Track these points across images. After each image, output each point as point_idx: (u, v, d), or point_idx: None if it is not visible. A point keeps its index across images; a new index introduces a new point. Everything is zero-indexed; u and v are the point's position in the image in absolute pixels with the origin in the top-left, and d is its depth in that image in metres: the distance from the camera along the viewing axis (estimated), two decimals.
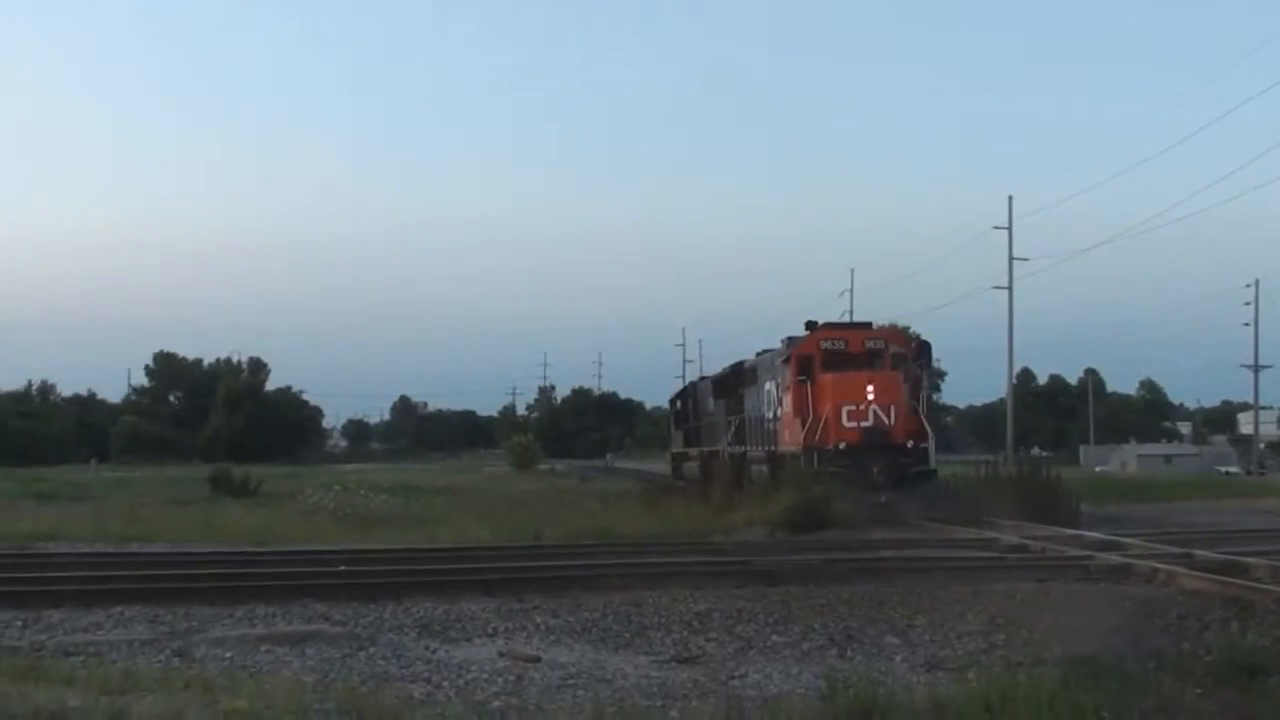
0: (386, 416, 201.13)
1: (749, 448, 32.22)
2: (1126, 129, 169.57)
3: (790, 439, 27.97)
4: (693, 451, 41.94)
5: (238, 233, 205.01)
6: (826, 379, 27.06)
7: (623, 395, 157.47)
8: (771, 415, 29.75)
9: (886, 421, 26.42)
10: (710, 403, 39.08)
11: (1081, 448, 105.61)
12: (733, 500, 26.76)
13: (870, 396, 26.39)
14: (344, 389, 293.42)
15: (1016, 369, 75.57)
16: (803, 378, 27.47)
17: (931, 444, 26.85)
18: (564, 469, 72.69)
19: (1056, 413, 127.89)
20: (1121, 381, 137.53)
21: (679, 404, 46.99)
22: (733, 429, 34.23)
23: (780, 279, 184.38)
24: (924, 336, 31.51)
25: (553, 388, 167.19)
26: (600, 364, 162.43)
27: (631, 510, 28.91)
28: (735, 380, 35.21)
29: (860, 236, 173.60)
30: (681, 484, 39.63)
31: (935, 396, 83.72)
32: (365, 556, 18.04)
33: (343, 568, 16.00)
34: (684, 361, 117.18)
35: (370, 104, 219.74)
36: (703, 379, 43.92)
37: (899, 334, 32.10)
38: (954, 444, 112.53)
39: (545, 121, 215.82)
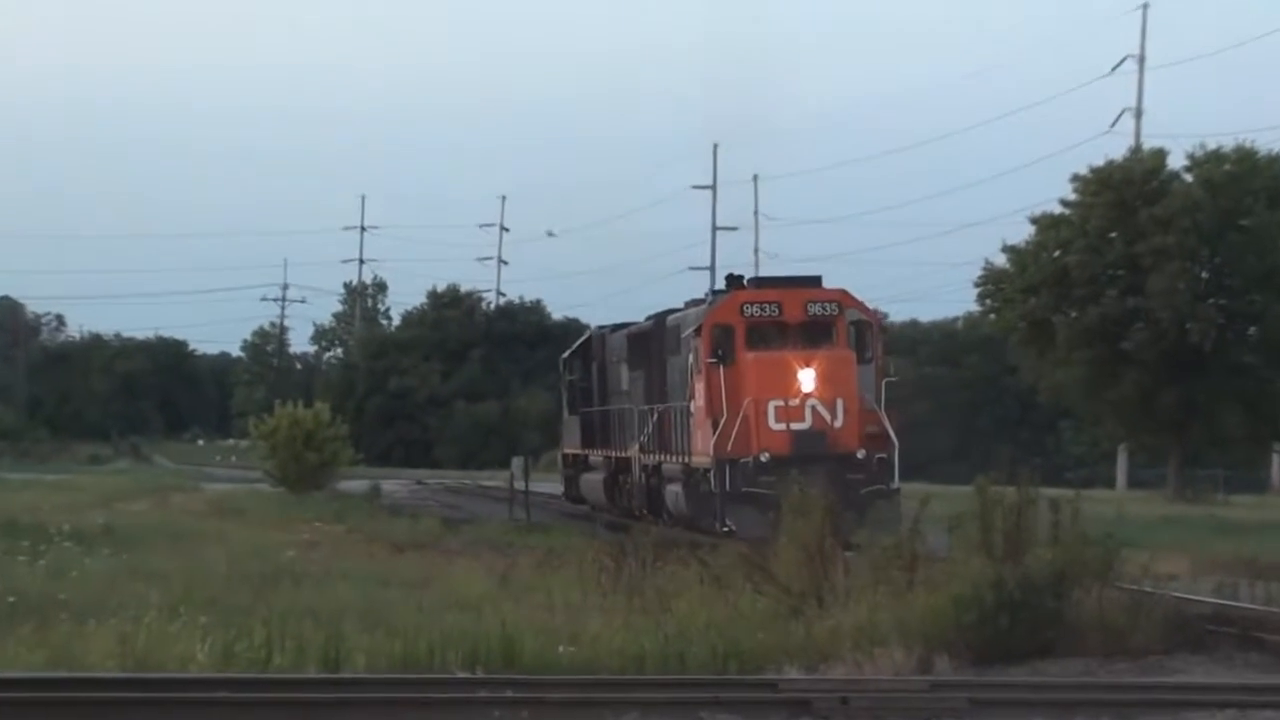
0: None
1: (664, 456, 29.64)
2: None
3: (702, 446, 27.11)
4: (596, 456, 35.39)
5: None
6: (748, 360, 26.43)
7: (560, 314, 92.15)
8: (689, 408, 28.37)
9: (830, 421, 25.95)
10: (623, 373, 33.61)
11: None
12: (825, 581, 19.08)
13: (808, 387, 25.87)
14: None
15: None
16: (715, 359, 26.60)
17: (895, 452, 26.46)
18: (404, 492, 47.68)
19: None
20: None
21: (574, 368, 38.17)
22: (651, 423, 30.59)
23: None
24: None
25: (381, 287, 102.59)
26: (503, 230, 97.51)
27: (571, 589, 18.90)
28: (657, 341, 31.19)
29: None
30: (585, 509, 35.54)
31: None
32: None
33: None
34: (713, 228, 73.88)
35: None
36: (615, 329, 35.75)
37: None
38: None
39: None
